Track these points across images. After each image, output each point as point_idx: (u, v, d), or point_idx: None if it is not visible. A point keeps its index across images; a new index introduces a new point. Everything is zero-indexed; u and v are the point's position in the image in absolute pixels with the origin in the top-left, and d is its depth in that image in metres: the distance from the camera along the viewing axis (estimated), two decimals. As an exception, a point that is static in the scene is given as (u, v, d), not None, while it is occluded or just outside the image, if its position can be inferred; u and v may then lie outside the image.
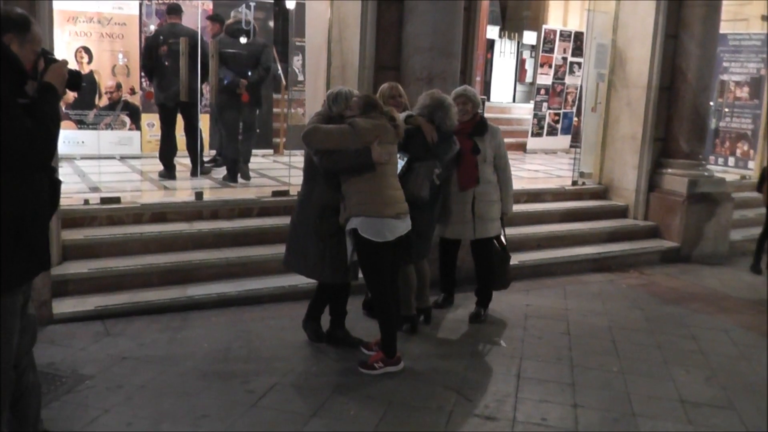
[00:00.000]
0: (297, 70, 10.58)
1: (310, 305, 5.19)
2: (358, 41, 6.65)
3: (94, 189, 7.24)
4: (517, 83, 19.06)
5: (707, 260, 8.60)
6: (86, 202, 6.33)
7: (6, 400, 2.99)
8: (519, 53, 18.37)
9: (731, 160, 11.38)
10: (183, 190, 7.48)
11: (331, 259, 4.74)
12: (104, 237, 5.96)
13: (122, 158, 9.45)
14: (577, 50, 13.55)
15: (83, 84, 4.06)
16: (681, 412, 4.49)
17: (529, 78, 18.56)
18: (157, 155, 8.32)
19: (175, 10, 8.28)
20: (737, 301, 7.11)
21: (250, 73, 7.99)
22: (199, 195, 6.75)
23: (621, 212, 9.03)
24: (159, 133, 8.52)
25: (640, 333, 5.93)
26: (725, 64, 10.95)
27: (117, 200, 6.38)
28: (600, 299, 6.82)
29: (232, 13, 8.58)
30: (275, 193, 7.09)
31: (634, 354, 5.44)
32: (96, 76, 9.33)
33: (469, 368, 4.97)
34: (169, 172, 8.10)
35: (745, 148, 11.24)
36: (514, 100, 18.38)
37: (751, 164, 11.13)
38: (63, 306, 5.26)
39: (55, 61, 2.95)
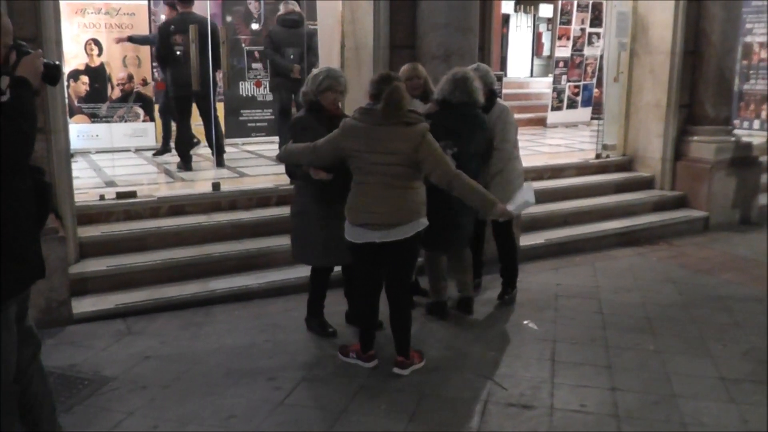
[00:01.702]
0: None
1: (309, 302, 5.07)
2: (371, 21, 6.47)
3: (110, 183, 7.18)
4: (534, 57, 18.79)
5: (737, 227, 8.40)
6: (102, 197, 6.25)
7: (7, 415, 2.85)
8: (535, 27, 18.08)
9: (756, 123, 11.08)
10: (200, 181, 7.38)
11: (336, 242, 4.56)
12: (122, 232, 5.88)
13: (137, 150, 9.35)
14: (596, 20, 13.26)
15: (62, 76, 3.87)
16: (722, 390, 4.34)
17: (546, 51, 18.29)
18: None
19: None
20: (769, 268, 6.92)
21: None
22: (216, 186, 6.64)
23: (647, 183, 8.81)
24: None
25: (674, 308, 5.77)
26: (748, 26, 10.63)
27: (133, 194, 6.30)
28: (630, 274, 6.65)
29: (282, 5, 8.55)
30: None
31: (669, 330, 5.28)
32: (107, 68, 9.24)
33: (500, 354, 4.84)
34: (185, 163, 8.00)
35: (772, 110, 10.96)
36: (531, 75, 18.12)
37: (778, 126, 10.85)
38: (82, 305, 5.19)
39: (29, 53, 2.76)
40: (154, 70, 9.40)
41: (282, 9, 8.49)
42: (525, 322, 5.44)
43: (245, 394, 4.13)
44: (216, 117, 8.18)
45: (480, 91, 5.18)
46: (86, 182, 6.88)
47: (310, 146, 4.43)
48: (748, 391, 4.33)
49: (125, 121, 9.43)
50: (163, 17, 9.35)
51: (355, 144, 4.24)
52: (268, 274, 5.84)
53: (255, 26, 8.79)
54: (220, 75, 8.25)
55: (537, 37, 16.31)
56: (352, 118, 4.35)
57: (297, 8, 8.34)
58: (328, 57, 7.06)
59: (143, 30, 9.38)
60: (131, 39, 9.13)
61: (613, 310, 5.67)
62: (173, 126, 8.69)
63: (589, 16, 13.34)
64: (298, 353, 4.76)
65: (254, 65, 9.81)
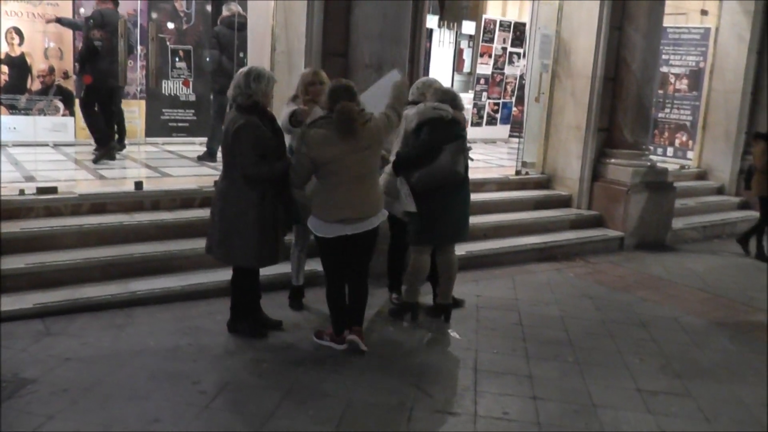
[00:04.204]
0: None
1: (235, 305, 5.01)
2: (305, 25, 6.43)
3: (29, 178, 6.89)
4: (455, 73, 19.03)
5: (650, 248, 8.69)
6: (22, 192, 5.99)
7: None
8: (457, 43, 18.35)
9: (670, 150, 11.56)
10: (122, 179, 7.16)
11: (271, 243, 4.78)
12: (42, 229, 5.63)
13: (56, 145, 9.00)
14: (517, 40, 13.58)
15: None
16: (639, 400, 4.49)
17: (466, 68, 18.56)
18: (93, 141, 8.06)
19: None
20: (683, 288, 7.19)
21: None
22: (138, 185, 6.45)
23: (565, 201, 9.04)
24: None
25: (592, 322, 5.93)
26: (665, 57, 11.10)
27: (54, 190, 6.05)
28: (549, 289, 6.80)
29: (225, 8, 8.64)
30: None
31: (588, 344, 5.42)
32: (28, 59, 8.88)
33: (425, 361, 4.88)
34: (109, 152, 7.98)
35: (684, 138, 11.44)
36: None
37: (690, 154, 11.34)
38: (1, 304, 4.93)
39: None
40: (76, 63, 9.08)
41: (226, 11, 8.53)
42: (449, 331, 5.49)
43: (169, 398, 4.01)
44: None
45: None
46: (5, 176, 6.55)
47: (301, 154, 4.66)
48: (664, 403, 4.50)
49: (45, 115, 9.07)
50: (82, 11, 9.07)
51: (331, 151, 4.54)
52: (191, 277, 5.70)
53: (171, 25, 8.65)
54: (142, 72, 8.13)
55: (458, 53, 16.53)
56: (317, 127, 4.57)
57: (241, 11, 8.28)
58: (258, 59, 6.95)
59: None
60: (60, 21, 8.84)
61: (533, 323, 5.78)
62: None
63: (510, 36, 13.65)
64: (222, 357, 4.66)
65: (178, 64, 9.62)
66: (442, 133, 5.28)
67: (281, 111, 5.18)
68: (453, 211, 5.45)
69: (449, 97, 5.41)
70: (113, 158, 8.12)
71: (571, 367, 4.93)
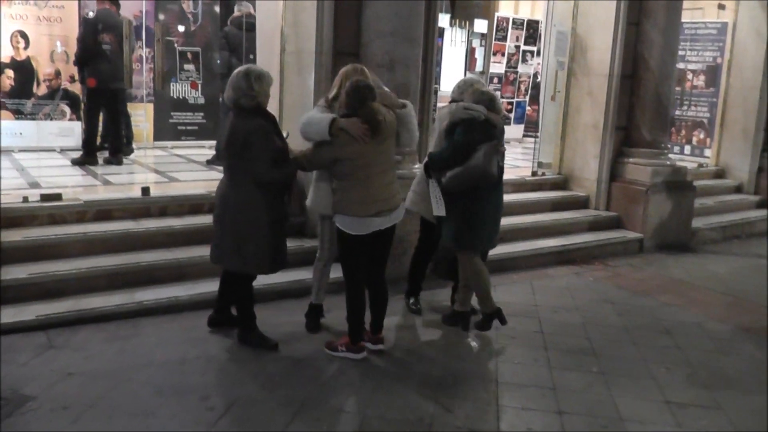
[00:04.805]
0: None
1: (247, 316, 4.85)
2: (315, 25, 6.25)
3: (34, 185, 6.77)
4: (467, 72, 18.85)
5: (670, 250, 8.47)
6: (25, 199, 5.84)
7: None
8: (469, 42, 18.17)
9: (687, 149, 11.33)
10: (128, 185, 7.01)
11: (281, 248, 4.76)
12: (46, 238, 5.49)
13: (62, 150, 8.87)
14: (530, 38, 13.37)
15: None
16: (668, 414, 4.29)
17: (478, 67, 18.38)
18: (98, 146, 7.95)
19: None
20: (705, 291, 6.98)
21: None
22: (145, 190, 6.30)
23: (582, 203, 8.84)
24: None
25: (614, 329, 5.73)
26: (681, 52, 10.86)
27: (58, 197, 5.90)
28: (569, 294, 6.60)
29: (236, 7, 8.58)
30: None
31: (611, 352, 5.22)
32: (34, 63, 8.75)
33: (444, 373, 4.67)
34: (92, 158, 7.94)
35: (702, 136, 11.21)
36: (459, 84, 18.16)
37: (707, 152, 11.11)
38: (1, 316, 4.78)
39: None
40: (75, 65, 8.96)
41: (237, 11, 8.44)
42: (468, 339, 5.30)
43: (176, 415, 3.84)
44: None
45: None
46: (9, 183, 6.44)
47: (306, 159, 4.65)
48: (693, 416, 4.29)
49: (51, 119, 8.93)
50: (90, 14, 8.94)
51: (357, 148, 4.47)
52: (199, 285, 5.53)
53: (182, 28, 8.53)
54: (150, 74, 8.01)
55: (470, 52, 16.38)
56: (346, 123, 4.45)
57: (252, 11, 8.14)
58: (267, 60, 6.81)
59: (72, 22, 8.92)
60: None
61: (554, 330, 5.59)
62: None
63: (523, 33, 13.45)
64: (231, 371, 4.49)
65: (186, 66, 9.47)
66: (476, 133, 5.11)
67: (310, 112, 4.88)
68: (487, 215, 5.32)
69: (486, 98, 5.24)
70: (120, 163, 8.00)
71: (595, 378, 4.73)
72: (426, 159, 5.37)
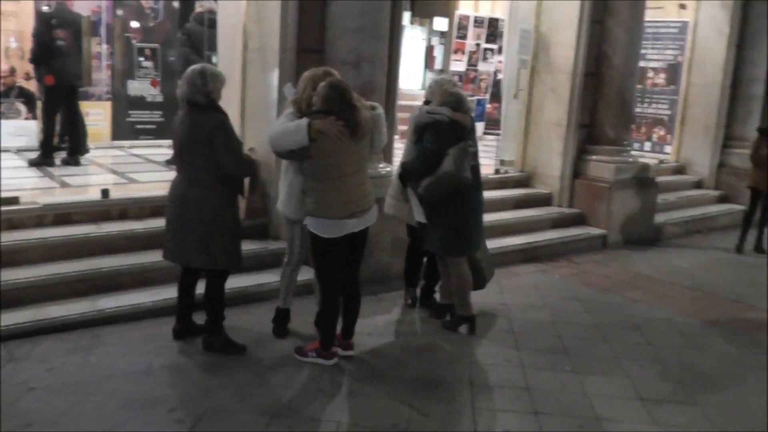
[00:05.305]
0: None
1: (217, 318, 4.73)
2: (279, 21, 6.10)
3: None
4: (426, 70, 18.82)
5: (634, 245, 8.54)
6: (-20, 203, 5.59)
7: None
8: (429, 40, 18.12)
9: (647, 145, 11.45)
10: (86, 186, 6.77)
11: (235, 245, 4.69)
12: (3, 244, 5.22)
13: (19, 151, 8.55)
14: (491, 36, 13.35)
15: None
16: (644, 411, 4.28)
17: (437, 65, 18.35)
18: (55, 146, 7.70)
19: None
20: (671, 286, 7.04)
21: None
22: (105, 193, 6.08)
23: (545, 200, 8.85)
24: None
25: (584, 327, 5.72)
26: (643, 51, 10.98)
27: (15, 200, 5.65)
28: (536, 292, 6.58)
29: (198, 4, 8.42)
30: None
31: (583, 350, 5.21)
32: (-14, 59, 8.45)
33: (417, 376, 4.60)
34: (49, 158, 7.69)
35: (662, 133, 11.33)
36: (423, 88, 18.15)
37: (668, 149, 11.25)
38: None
39: None
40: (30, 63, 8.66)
41: (199, 7, 8.29)
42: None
43: (145, 428, 3.69)
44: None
45: None
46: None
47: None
48: (669, 412, 4.30)
49: (5, 118, 8.60)
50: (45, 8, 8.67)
51: (334, 148, 4.34)
52: (162, 291, 5.33)
53: (140, 24, 8.27)
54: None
55: (429, 50, 16.37)
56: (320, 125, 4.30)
57: (216, 7, 7.95)
58: (229, 57, 6.64)
59: (27, 17, 8.60)
60: None
61: (524, 329, 5.56)
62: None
63: (484, 32, 13.43)
64: (199, 379, 4.33)
65: (145, 63, 9.22)
66: (444, 137, 5.06)
67: (278, 122, 4.74)
68: (471, 218, 5.29)
69: (453, 99, 5.18)
70: (78, 163, 7.75)
71: (569, 377, 4.70)
72: (399, 169, 5.35)
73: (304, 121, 4.31)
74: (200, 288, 4.82)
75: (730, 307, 6.53)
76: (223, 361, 4.57)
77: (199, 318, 4.86)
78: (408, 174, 5.23)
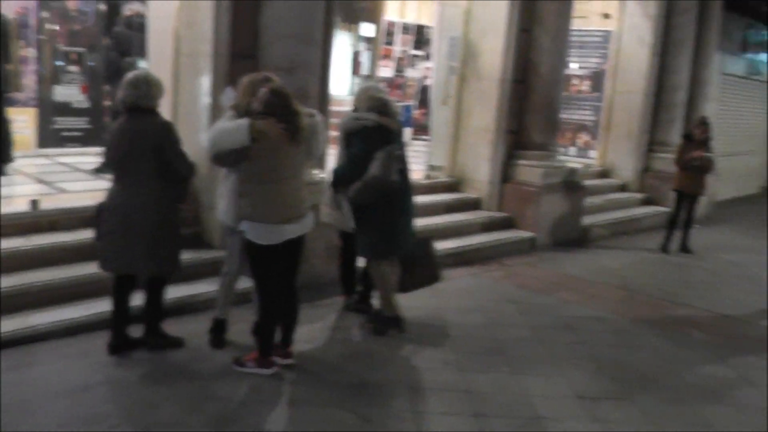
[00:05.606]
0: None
1: (156, 325, 4.75)
2: (211, 26, 6.03)
3: None
4: (354, 76, 18.85)
5: (563, 247, 8.77)
6: None
7: None
8: (355, 45, 18.18)
9: (572, 150, 11.78)
10: (14, 197, 6.49)
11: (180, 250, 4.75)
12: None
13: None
14: (418, 43, 13.50)
15: None
16: (582, 409, 4.41)
17: (364, 71, 18.41)
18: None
19: None
20: (601, 286, 7.26)
21: None
22: (35, 203, 5.86)
23: (475, 204, 8.99)
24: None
25: (519, 328, 5.84)
26: (568, 59, 11.31)
27: (-62, 213, 5.38)
28: (470, 295, 6.68)
29: (127, 7, 8.22)
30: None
31: (520, 351, 5.32)
32: None
33: (358, 382, 4.60)
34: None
35: (587, 138, 11.68)
36: (351, 93, 18.16)
37: (592, 153, 11.61)
38: None
39: None
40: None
41: (128, 10, 8.07)
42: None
43: (86, 448, 3.59)
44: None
45: None
46: None
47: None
48: (607, 409, 4.44)
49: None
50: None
51: (273, 150, 4.33)
52: (96, 304, 5.14)
53: (66, 27, 7.98)
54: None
55: (355, 56, 16.42)
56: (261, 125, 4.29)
57: (145, 11, 7.77)
58: (160, 62, 6.51)
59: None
60: None
61: (460, 333, 5.63)
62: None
63: (412, 38, 13.57)
64: (140, 394, 4.23)
65: (70, 68, 8.93)
66: (371, 142, 5.10)
67: (218, 123, 4.68)
68: (400, 222, 5.35)
69: (378, 104, 5.25)
70: (4, 173, 7.43)
71: (508, 378, 4.80)
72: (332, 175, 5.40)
73: (246, 120, 4.29)
74: (135, 299, 4.77)
75: (659, 305, 6.78)
76: (162, 374, 4.49)
77: (133, 331, 4.78)
78: (338, 180, 5.27)
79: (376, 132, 5.12)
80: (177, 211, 4.65)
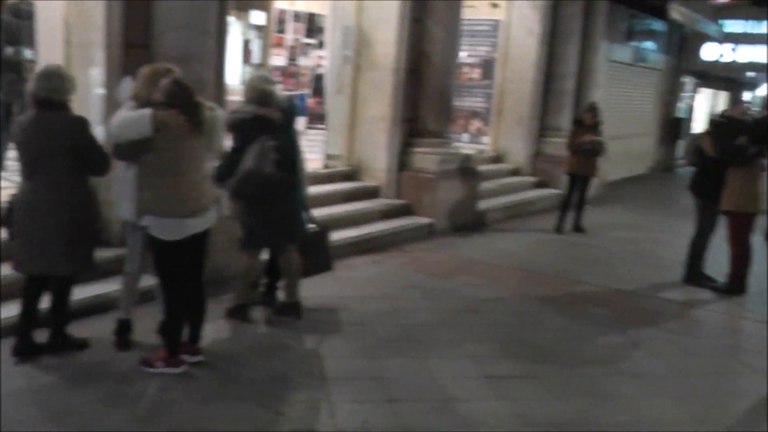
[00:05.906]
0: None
1: (61, 327, 4.59)
2: (103, 15, 5.80)
3: None
4: (244, 64, 18.57)
5: (460, 232, 8.97)
6: None
7: None
8: (245, 33, 17.90)
9: (465, 137, 12.04)
10: None
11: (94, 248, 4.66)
12: None
13: None
14: (310, 31, 13.41)
15: None
16: (490, 389, 4.55)
17: (254, 59, 18.16)
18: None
19: None
20: (500, 268, 7.49)
21: None
22: None
23: (373, 192, 9.06)
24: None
25: (423, 313, 5.95)
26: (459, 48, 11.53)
27: None
28: (372, 282, 6.74)
29: None
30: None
31: (425, 336, 5.42)
32: None
33: (268, 376, 4.56)
34: None
35: (479, 125, 11.96)
36: (242, 83, 17.88)
37: (485, 139, 11.91)
38: None
39: None
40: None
41: None
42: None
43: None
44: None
45: None
46: None
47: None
48: (514, 387, 4.61)
49: None
50: None
51: (175, 142, 4.25)
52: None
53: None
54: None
55: (246, 44, 16.18)
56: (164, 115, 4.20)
57: None
58: (48, 52, 6.18)
59: None
60: None
61: (366, 320, 5.67)
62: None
63: (304, 27, 13.46)
64: (47, 404, 4.05)
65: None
66: (249, 133, 5.09)
67: (119, 113, 4.49)
68: (281, 212, 5.30)
69: (257, 95, 5.22)
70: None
71: (417, 363, 4.88)
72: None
73: (148, 110, 4.18)
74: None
75: (556, 283, 7.07)
76: (69, 380, 4.30)
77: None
78: (219, 175, 5.20)
79: (254, 124, 5.09)
80: (92, 208, 4.54)
